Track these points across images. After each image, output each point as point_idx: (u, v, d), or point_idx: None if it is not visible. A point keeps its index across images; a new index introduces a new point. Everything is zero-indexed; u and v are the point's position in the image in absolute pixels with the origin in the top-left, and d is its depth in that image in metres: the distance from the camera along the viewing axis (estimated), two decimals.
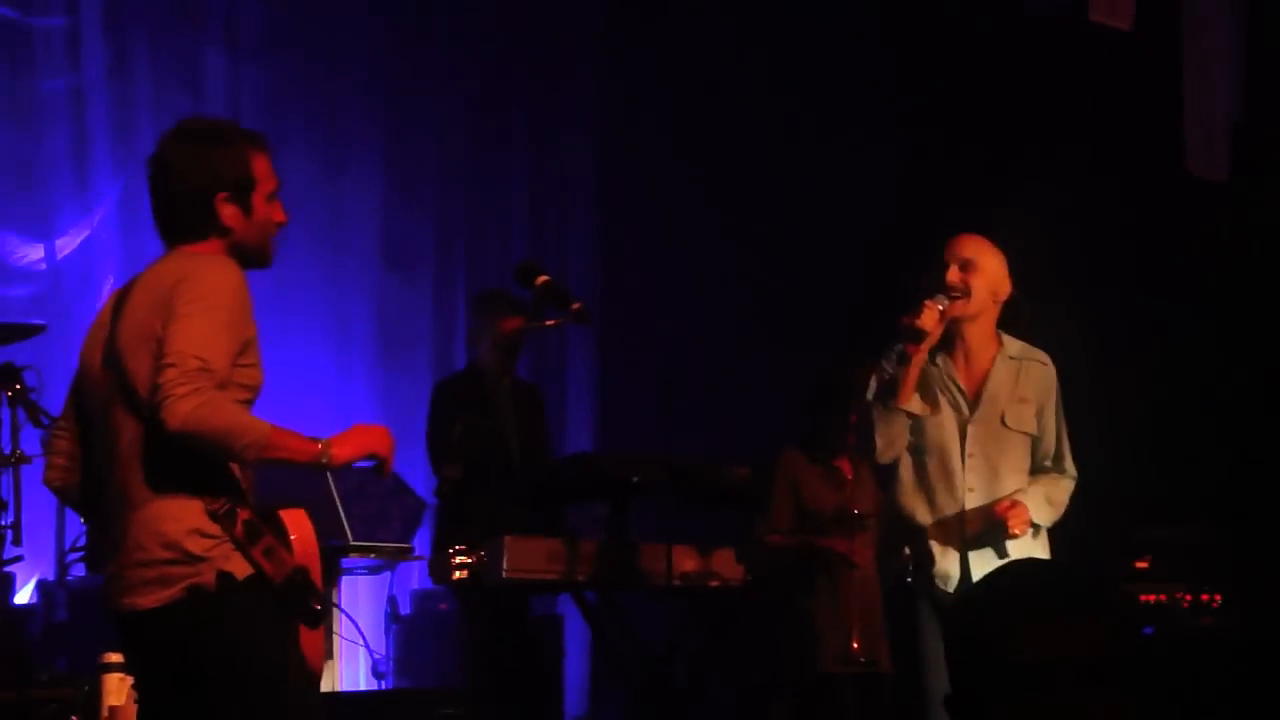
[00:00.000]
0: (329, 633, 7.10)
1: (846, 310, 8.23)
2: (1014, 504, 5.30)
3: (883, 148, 8.94)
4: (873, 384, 5.42)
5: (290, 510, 3.87)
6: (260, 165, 3.97)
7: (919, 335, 5.23)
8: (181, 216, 3.93)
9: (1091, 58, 8.00)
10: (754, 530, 6.29)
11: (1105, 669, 2.19)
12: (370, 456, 3.92)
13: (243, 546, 3.73)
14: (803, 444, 6.43)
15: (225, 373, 3.68)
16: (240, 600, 3.72)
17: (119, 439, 3.81)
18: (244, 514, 3.75)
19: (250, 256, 3.96)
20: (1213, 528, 7.37)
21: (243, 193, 3.92)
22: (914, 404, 5.32)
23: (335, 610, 7.44)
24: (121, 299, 3.90)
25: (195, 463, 3.72)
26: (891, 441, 5.35)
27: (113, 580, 3.81)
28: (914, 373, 5.29)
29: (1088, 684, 2.18)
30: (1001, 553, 5.33)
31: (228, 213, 3.91)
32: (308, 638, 3.83)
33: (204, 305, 3.70)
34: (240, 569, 3.73)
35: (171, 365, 3.60)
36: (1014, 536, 5.27)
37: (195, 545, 3.71)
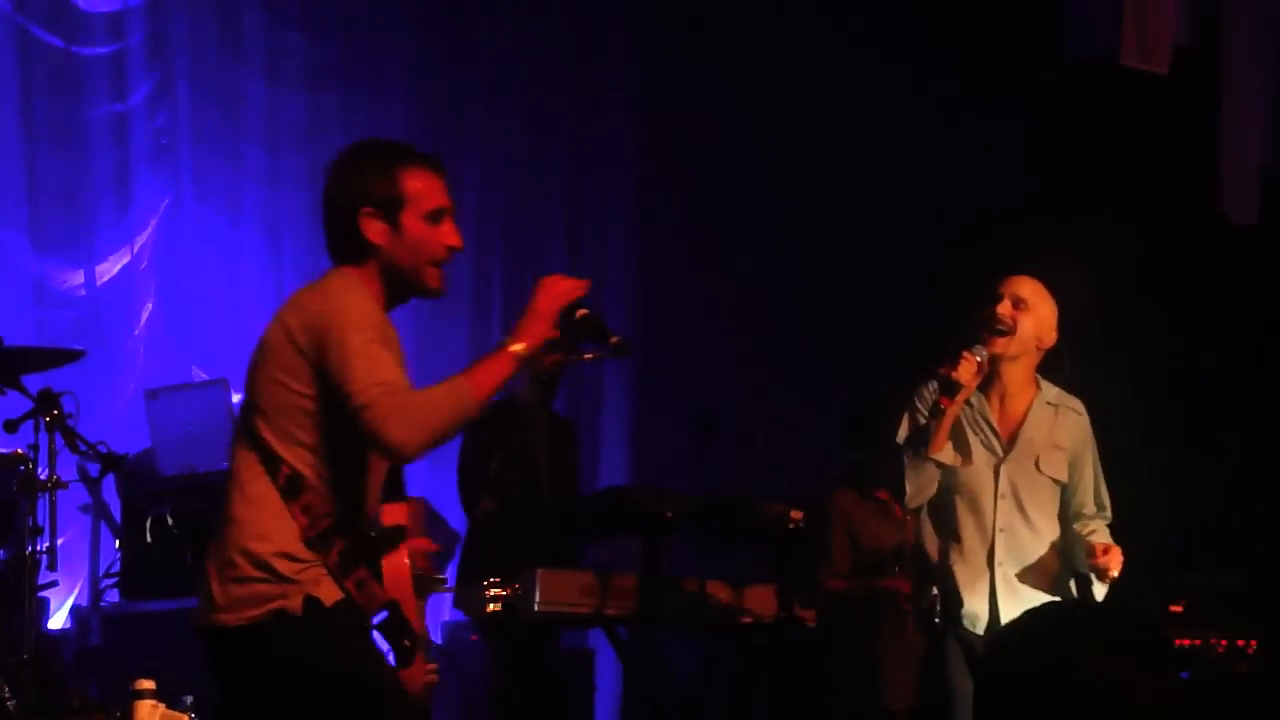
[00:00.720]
0: None
1: (885, 347, 8.23)
2: (1109, 548, 5.27)
3: (922, 182, 8.94)
4: (903, 426, 5.39)
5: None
6: (415, 184, 3.94)
7: (954, 388, 5.20)
8: (335, 236, 3.97)
9: (1131, 98, 8.01)
10: (815, 576, 6.29)
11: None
12: (570, 318, 3.89)
13: (336, 576, 3.74)
14: (849, 479, 6.42)
15: (404, 379, 3.72)
16: (326, 626, 3.72)
17: (235, 451, 3.88)
18: (340, 543, 3.75)
19: (406, 279, 3.95)
20: (1248, 573, 7.33)
21: (389, 210, 3.91)
22: (946, 454, 5.29)
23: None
24: (276, 313, 3.92)
25: (298, 484, 3.75)
26: (921, 489, 5.32)
27: (204, 595, 3.84)
28: (947, 425, 5.26)
29: None
30: (1066, 594, 5.33)
31: (373, 229, 3.90)
32: (408, 671, 3.80)
33: (355, 334, 3.73)
34: (329, 594, 3.74)
35: (363, 407, 3.65)
36: (1112, 580, 5.24)
37: (284, 567, 3.73)
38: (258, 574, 3.74)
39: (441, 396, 3.73)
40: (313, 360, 3.76)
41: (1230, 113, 7.81)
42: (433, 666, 3.92)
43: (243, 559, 3.76)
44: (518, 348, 3.83)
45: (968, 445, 5.38)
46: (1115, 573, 5.23)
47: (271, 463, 3.77)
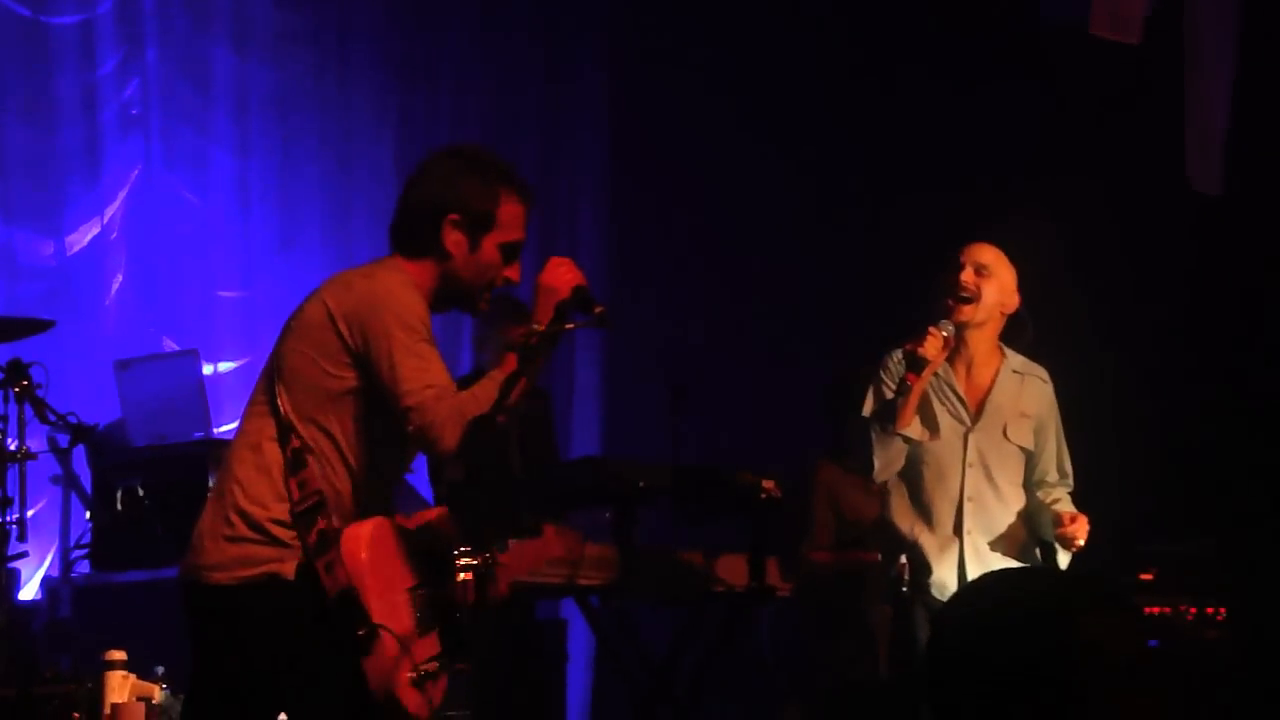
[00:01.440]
0: None
1: (856, 318, 8.24)
2: (1076, 516, 5.29)
3: (896, 151, 8.94)
4: (869, 400, 5.39)
5: (359, 525, 3.83)
6: (508, 212, 3.96)
7: (921, 364, 5.20)
8: (410, 225, 3.97)
9: (1098, 69, 8.00)
10: (798, 547, 6.30)
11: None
12: (578, 303, 3.91)
13: (311, 554, 3.75)
14: (830, 451, 6.43)
15: (450, 380, 3.81)
16: (317, 594, 3.73)
17: (251, 412, 3.91)
18: (323, 522, 3.77)
19: (459, 292, 3.98)
20: (1218, 541, 7.36)
21: (476, 225, 3.92)
22: (914, 429, 5.30)
23: None
24: (317, 290, 3.95)
25: (302, 458, 3.79)
26: (889, 463, 5.33)
27: (195, 551, 3.85)
28: (914, 400, 5.26)
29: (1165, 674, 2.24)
30: (1033, 561, 5.36)
31: (452, 237, 3.92)
32: (369, 661, 3.76)
33: (406, 333, 3.78)
34: None
35: (414, 409, 3.74)
36: (1078, 549, 5.26)
37: (280, 532, 3.77)
38: (254, 535, 3.78)
39: (485, 395, 3.81)
40: (354, 346, 3.81)
41: (1194, 83, 7.80)
42: (417, 665, 3.83)
43: (240, 519, 3.79)
44: (539, 329, 3.89)
45: (935, 416, 5.39)
46: (1081, 541, 5.25)
47: (284, 432, 3.81)
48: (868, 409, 5.37)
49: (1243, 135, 7.85)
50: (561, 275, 3.92)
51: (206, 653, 3.89)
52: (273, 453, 3.82)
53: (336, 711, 3.77)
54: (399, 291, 3.84)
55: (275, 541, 3.77)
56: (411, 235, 3.96)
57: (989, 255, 5.41)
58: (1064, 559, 5.31)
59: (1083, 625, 2.24)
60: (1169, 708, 2.25)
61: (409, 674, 3.79)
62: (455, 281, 3.95)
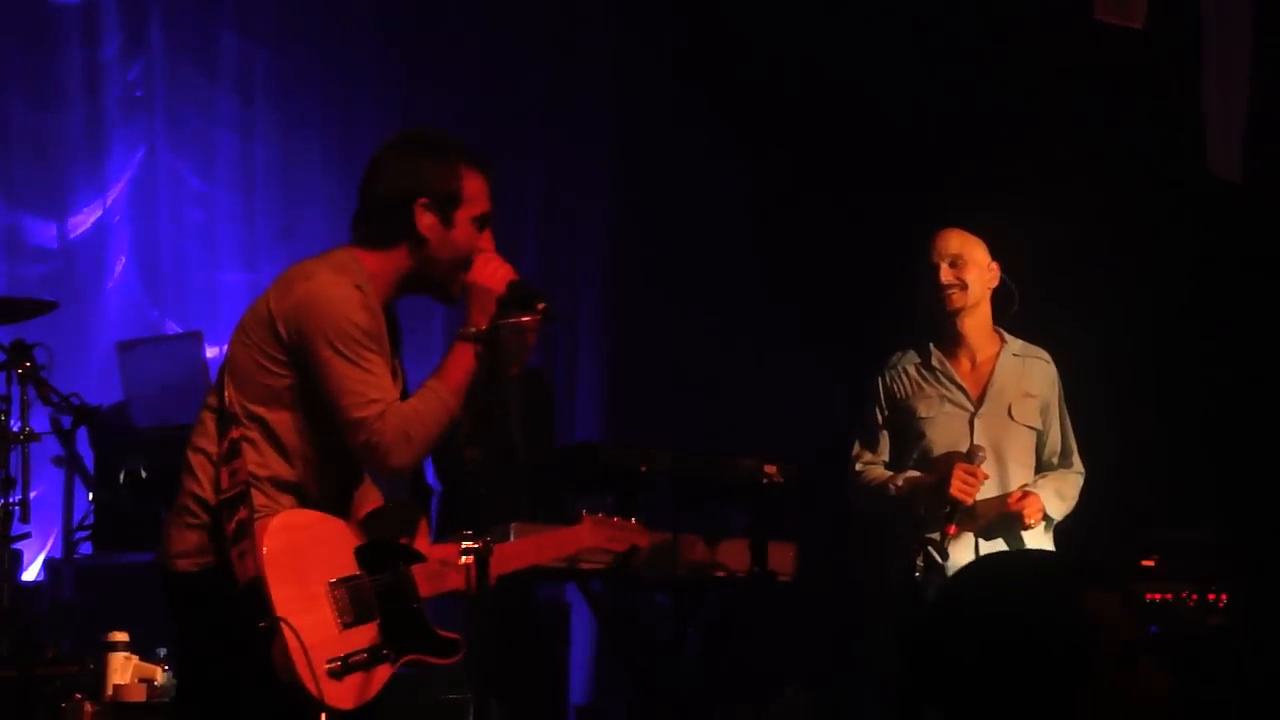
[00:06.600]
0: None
1: (861, 302, 8.23)
2: (1025, 494, 5.33)
3: (898, 144, 8.92)
4: (861, 433, 5.54)
5: (270, 517, 3.81)
6: (472, 186, 3.96)
7: (959, 511, 5.25)
8: (378, 218, 3.96)
9: (1107, 53, 7.97)
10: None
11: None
12: (516, 297, 3.92)
13: (227, 542, 3.76)
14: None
15: (393, 389, 3.82)
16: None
17: (207, 402, 3.93)
18: (243, 511, 3.77)
19: (435, 278, 3.97)
20: (1220, 527, 7.35)
21: (446, 205, 3.93)
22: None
23: None
24: (268, 288, 3.94)
25: (237, 449, 3.81)
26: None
27: (162, 541, 3.90)
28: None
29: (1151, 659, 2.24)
30: (1012, 544, 5.38)
31: (426, 221, 3.92)
32: (274, 651, 3.73)
33: (344, 342, 3.78)
34: None
35: (357, 426, 3.76)
36: (1029, 527, 5.31)
37: None
38: (211, 521, 3.80)
39: (428, 409, 3.82)
40: (292, 347, 3.81)
41: (1212, 66, 7.73)
42: (339, 655, 3.80)
43: (197, 506, 3.84)
44: (475, 331, 3.89)
45: (936, 403, 5.44)
46: (1031, 521, 5.34)
47: (225, 423, 3.83)
48: (857, 449, 5.51)
49: (1261, 120, 7.80)
50: (493, 272, 3.92)
51: (185, 640, 3.97)
52: (213, 437, 3.86)
53: (263, 698, 3.76)
54: (337, 296, 3.82)
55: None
56: (381, 227, 3.95)
57: (956, 242, 5.47)
58: (1030, 539, 5.38)
59: (1086, 607, 2.24)
60: (1168, 693, 2.25)
61: (326, 665, 3.75)
62: (433, 264, 3.95)
